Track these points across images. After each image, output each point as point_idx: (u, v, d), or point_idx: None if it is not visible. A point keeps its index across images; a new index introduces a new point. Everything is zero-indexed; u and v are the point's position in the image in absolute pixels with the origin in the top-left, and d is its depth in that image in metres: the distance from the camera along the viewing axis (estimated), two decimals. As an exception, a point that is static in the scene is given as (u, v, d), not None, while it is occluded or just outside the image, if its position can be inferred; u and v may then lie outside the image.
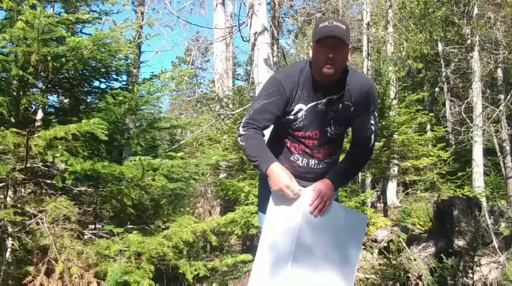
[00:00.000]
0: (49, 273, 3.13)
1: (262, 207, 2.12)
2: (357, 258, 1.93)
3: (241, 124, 1.97)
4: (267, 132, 2.13)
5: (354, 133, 2.03)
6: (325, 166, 2.02)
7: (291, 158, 2.01)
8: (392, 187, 12.21)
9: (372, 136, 1.98)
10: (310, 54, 1.90)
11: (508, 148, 13.18)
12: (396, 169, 8.50)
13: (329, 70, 1.83)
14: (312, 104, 1.92)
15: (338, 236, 1.90)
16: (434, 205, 4.83)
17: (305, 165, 2.00)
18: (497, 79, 13.79)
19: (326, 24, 1.80)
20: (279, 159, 2.03)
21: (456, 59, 13.97)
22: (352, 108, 1.94)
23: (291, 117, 1.93)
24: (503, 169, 13.44)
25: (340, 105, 1.93)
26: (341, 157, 2.17)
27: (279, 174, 1.84)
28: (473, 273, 3.80)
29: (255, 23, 5.32)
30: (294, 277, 1.85)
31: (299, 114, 1.92)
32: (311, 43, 1.87)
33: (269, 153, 1.92)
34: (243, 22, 5.82)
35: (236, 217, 3.89)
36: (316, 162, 2.00)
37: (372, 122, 1.97)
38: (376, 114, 1.99)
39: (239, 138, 1.96)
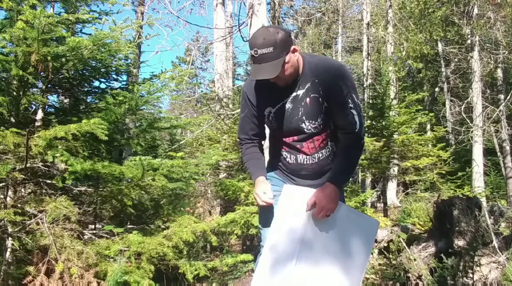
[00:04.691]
0: (49, 273, 3.13)
1: None
2: (365, 262, 1.92)
3: (238, 141, 2.16)
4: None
5: (335, 121, 1.94)
6: (316, 161, 1.98)
7: (281, 157, 2.03)
8: (392, 187, 12.21)
9: (356, 120, 1.88)
10: None
11: (508, 148, 13.18)
12: (396, 169, 8.51)
13: (280, 83, 1.87)
14: (279, 105, 1.92)
15: (346, 239, 1.89)
16: (434, 205, 4.83)
17: (295, 162, 2.00)
18: (497, 79, 13.80)
19: (252, 53, 1.75)
20: (275, 158, 2.08)
21: (456, 59, 13.96)
22: (320, 99, 1.88)
23: (266, 120, 1.99)
24: (503, 169, 13.44)
25: (308, 99, 1.89)
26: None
27: (256, 185, 1.98)
28: (473, 273, 3.80)
29: (255, 23, 5.32)
30: (297, 276, 1.85)
31: (270, 117, 1.96)
32: None
33: (257, 166, 2.04)
34: (243, 22, 5.82)
35: (236, 217, 3.89)
36: (304, 157, 1.98)
37: (351, 105, 1.87)
38: (354, 96, 1.88)
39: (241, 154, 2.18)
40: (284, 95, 1.91)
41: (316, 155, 1.97)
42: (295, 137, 1.95)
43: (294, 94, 1.90)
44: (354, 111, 1.88)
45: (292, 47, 1.81)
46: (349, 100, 1.87)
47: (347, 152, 1.94)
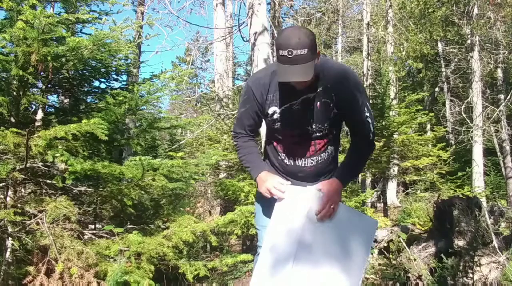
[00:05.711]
0: (49, 273, 3.13)
1: (257, 196, 2.16)
2: (364, 261, 1.91)
3: (232, 134, 2.10)
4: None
5: (352, 128, 1.99)
6: (315, 164, 1.98)
7: (279, 158, 2.01)
8: (392, 187, 12.21)
9: (371, 128, 1.93)
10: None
11: (508, 148, 13.18)
12: (396, 169, 8.52)
13: (299, 86, 1.82)
14: (286, 106, 1.89)
15: (345, 239, 1.89)
16: (434, 205, 4.83)
17: (292, 164, 1.98)
18: (497, 79, 13.79)
19: (285, 53, 1.68)
20: (271, 159, 2.06)
21: (456, 59, 13.97)
22: (331, 105, 1.87)
23: (269, 119, 1.95)
24: (503, 169, 13.45)
25: (318, 103, 1.87)
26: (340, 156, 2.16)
27: (264, 178, 1.94)
28: (473, 273, 3.80)
29: (255, 23, 5.32)
30: (295, 278, 1.84)
31: (275, 117, 1.92)
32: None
33: (258, 161, 2.01)
34: (243, 22, 5.82)
35: (234, 217, 3.88)
36: (303, 159, 1.97)
37: (367, 114, 1.90)
38: (368, 104, 1.91)
39: (235, 148, 2.11)
40: (293, 96, 1.88)
41: (315, 157, 1.97)
42: (297, 139, 1.95)
43: (304, 96, 1.87)
44: (369, 120, 1.91)
45: (317, 50, 1.80)
46: (365, 109, 1.90)
47: (358, 156, 1.99)
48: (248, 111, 1.97)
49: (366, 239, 1.93)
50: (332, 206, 1.87)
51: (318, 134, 1.93)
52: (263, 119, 2.01)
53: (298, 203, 1.89)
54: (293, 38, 1.70)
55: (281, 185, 1.90)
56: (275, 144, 2.02)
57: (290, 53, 1.68)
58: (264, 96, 1.91)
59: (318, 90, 1.86)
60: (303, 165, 1.98)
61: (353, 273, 1.87)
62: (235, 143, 2.08)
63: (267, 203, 1.98)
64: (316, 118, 1.90)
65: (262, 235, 2.01)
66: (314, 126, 1.91)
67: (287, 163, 1.99)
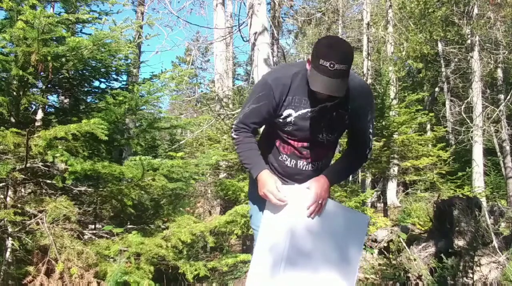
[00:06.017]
0: (49, 273, 3.13)
1: (251, 197, 2.14)
2: (358, 259, 1.91)
3: (233, 127, 2.01)
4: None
5: (353, 138, 2.01)
6: (314, 168, 1.99)
7: (280, 158, 2.00)
8: (392, 187, 12.21)
9: (370, 145, 1.99)
10: (308, 67, 1.78)
11: (508, 148, 13.18)
12: (396, 169, 8.51)
13: (323, 96, 1.80)
14: (303, 111, 1.86)
15: (337, 236, 1.88)
16: (434, 205, 4.84)
17: (293, 166, 1.98)
18: (497, 79, 13.80)
19: (326, 65, 1.65)
20: (269, 158, 2.04)
21: (456, 59, 13.97)
22: (346, 116, 1.89)
23: (280, 120, 1.90)
24: (503, 169, 13.45)
25: (334, 113, 1.88)
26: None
27: (265, 180, 1.89)
28: (473, 273, 3.80)
29: (255, 23, 5.32)
30: (287, 278, 1.84)
31: (288, 119, 1.89)
32: (309, 59, 1.76)
33: (259, 158, 1.95)
34: (243, 22, 5.82)
35: (231, 218, 3.86)
36: (305, 163, 1.97)
37: (371, 131, 1.94)
38: (374, 120, 1.97)
39: (233, 142, 2.06)
40: (312, 103, 1.86)
41: (317, 162, 1.99)
42: (305, 144, 1.94)
43: (322, 105, 1.86)
44: (371, 137, 1.96)
45: None
46: (370, 125, 1.94)
47: (350, 165, 2.03)
48: (260, 108, 1.89)
49: (359, 236, 1.94)
50: (320, 202, 1.88)
51: (325, 142, 1.95)
52: (266, 121, 1.98)
53: (289, 202, 1.88)
54: (337, 51, 1.67)
55: (281, 194, 1.87)
56: (277, 143, 2.00)
57: (332, 65, 1.65)
58: (283, 97, 1.86)
59: (336, 101, 1.84)
60: (304, 169, 1.98)
61: (348, 272, 1.87)
62: (235, 136, 1.97)
63: (264, 204, 1.98)
64: (329, 127, 1.91)
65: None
66: (325, 135, 1.92)
67: (288, 165, 1.99)
